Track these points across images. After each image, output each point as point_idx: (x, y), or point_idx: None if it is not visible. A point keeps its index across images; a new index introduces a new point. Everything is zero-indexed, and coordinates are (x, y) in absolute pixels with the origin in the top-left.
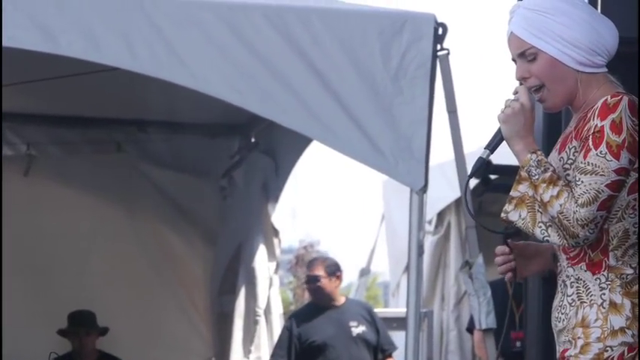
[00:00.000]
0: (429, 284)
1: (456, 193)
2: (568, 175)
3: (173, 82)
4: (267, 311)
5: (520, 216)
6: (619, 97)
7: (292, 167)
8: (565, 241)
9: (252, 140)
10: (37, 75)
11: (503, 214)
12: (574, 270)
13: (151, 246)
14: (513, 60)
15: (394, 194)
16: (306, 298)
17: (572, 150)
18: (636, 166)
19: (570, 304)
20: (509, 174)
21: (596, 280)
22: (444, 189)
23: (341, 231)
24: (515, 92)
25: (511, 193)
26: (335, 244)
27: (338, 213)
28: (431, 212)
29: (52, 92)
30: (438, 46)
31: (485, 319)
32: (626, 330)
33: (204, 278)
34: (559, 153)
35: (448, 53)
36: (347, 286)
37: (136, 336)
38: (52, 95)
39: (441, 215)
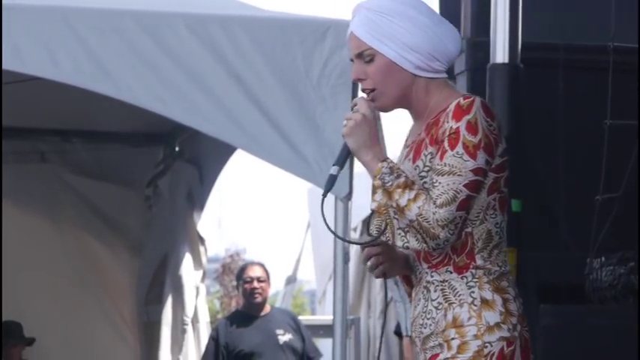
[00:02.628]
0: (356, 291)
1: None
2: (425, 182)
3: (96, 92)
4: (195, 320)
5: (381, 226)
6: (471, 99)
7: (217, 176)
8: (425, 244)
9: (177, 149)
10: None
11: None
12: (439, 274)
13: (76, 256)
14: (351, 60)
15: (319, 202)
16: (233, 306)
17: (429, 156)
18: (494, 166)
19: (437, 307)
20: None
21: (462, 279)
22: (369, 196)
23: (267, 239)
24: (354, 105)
25: (371, 207)
26: (261, 253)
27: (263, 221)
28: (356, 219)
29: None
30: None
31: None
32: (502, 325)
33: (131, 288)
34: (413, 162)
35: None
36: (273, 295)
37: (62, 346)
38: None
39: (366, 222)
